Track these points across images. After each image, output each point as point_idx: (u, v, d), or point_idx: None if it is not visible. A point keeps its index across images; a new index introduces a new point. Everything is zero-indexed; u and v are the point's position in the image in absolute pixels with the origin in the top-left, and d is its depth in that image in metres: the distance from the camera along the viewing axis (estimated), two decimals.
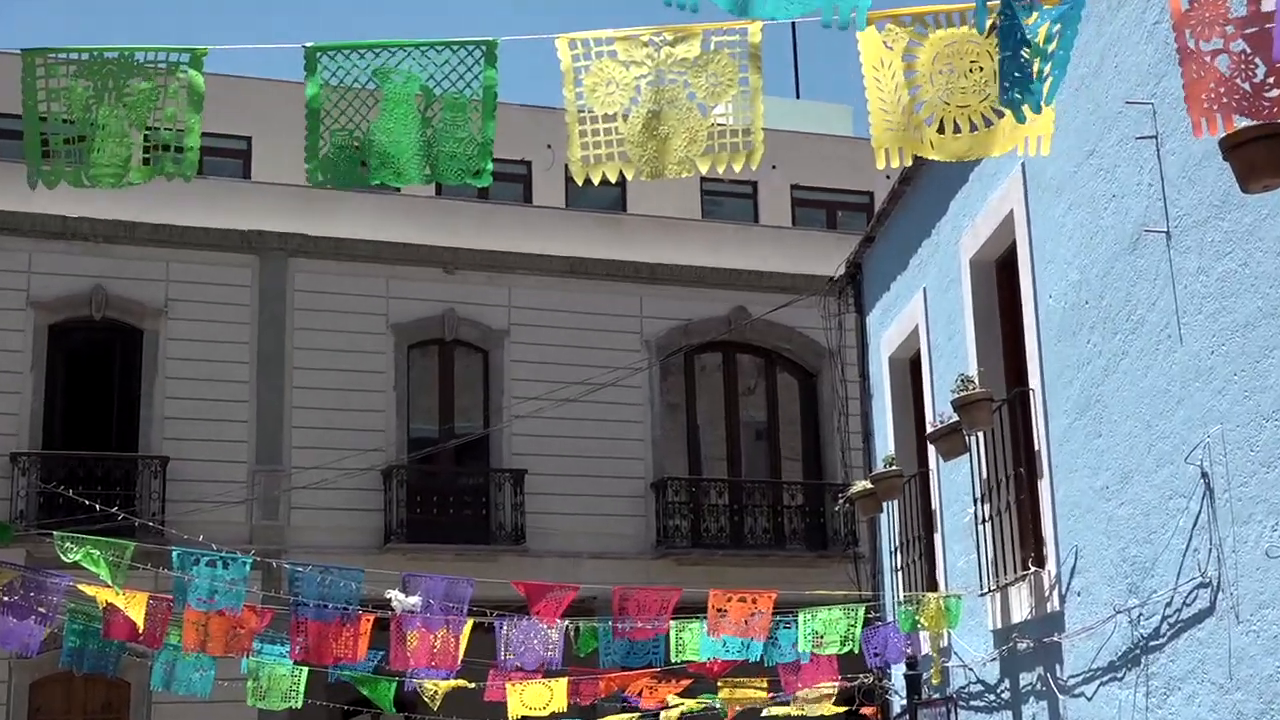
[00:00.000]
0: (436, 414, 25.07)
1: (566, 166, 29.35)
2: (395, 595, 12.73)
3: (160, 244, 23.79)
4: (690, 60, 5.67)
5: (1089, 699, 8.63)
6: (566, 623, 13.35)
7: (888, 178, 27.95)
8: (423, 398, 25.07)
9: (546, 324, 25.31)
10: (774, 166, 30.69)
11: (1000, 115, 5.45)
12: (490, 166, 5.83)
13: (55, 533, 12.66)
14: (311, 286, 24.41)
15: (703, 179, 30.41)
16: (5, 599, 13.07)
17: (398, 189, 24.62)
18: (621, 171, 5.71)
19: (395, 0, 60.84)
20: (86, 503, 15.78)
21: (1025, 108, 4.81)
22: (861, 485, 12.63)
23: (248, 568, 12.58)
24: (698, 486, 25.52)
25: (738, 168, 5.73)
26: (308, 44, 5.97)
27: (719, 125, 5.69)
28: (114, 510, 16.30)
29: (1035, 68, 4.76)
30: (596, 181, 5.71)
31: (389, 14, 61.16)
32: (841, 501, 13.29)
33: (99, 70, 6.23)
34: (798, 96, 36.52)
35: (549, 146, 28.94)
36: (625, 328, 25.71)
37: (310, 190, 25.11)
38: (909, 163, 5.56)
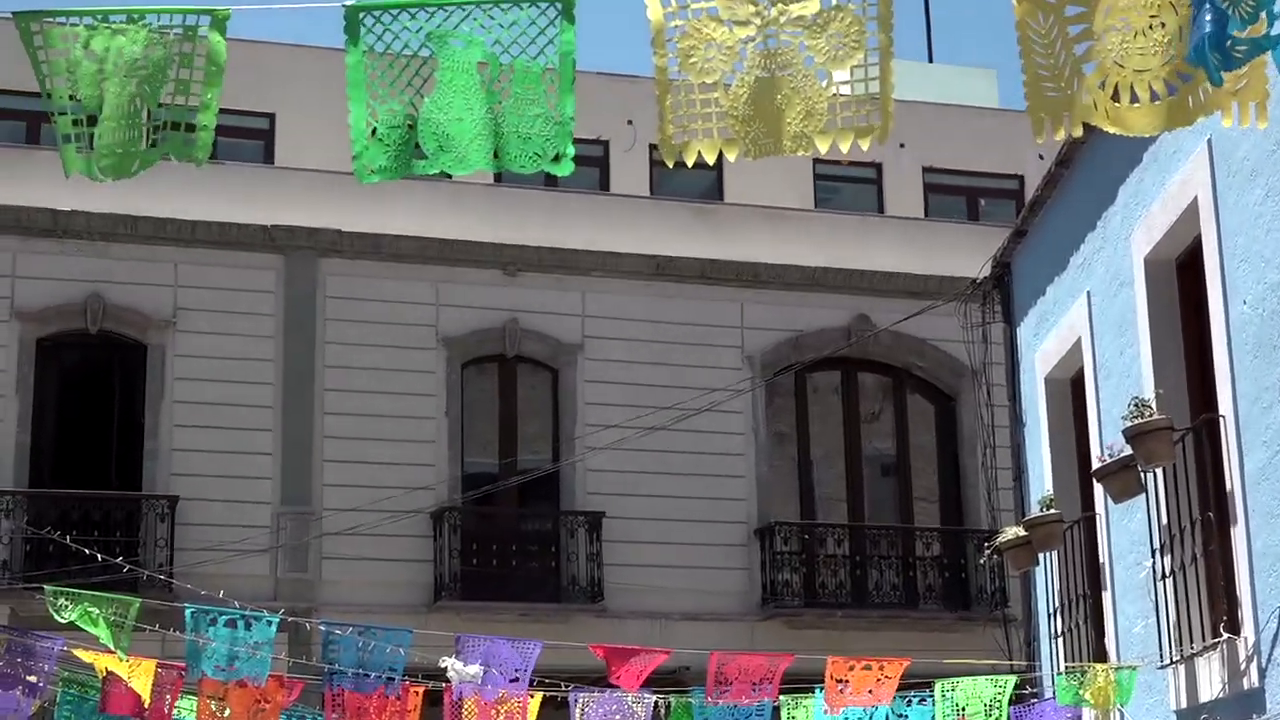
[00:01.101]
0: (496, 445, 25.18)
1: (652, 146, 29.65)
2: (451, 663, 12.79)
3: (167, 242, 24.11)
4: (807, 18, 5.69)
5: None
6: (655, 697, 13.37)
7: (1041, 158, 27.78)
8: (480, 425, 25.20)
9: (627, 336, 25.36)
10: (902, 145, 30.61)
11: (1186, 81, 5.41)
12: (571, 151, 5.88)
13: (46, 587, 12.85)
14: (346, 292, 24.62)
15: (816, 160, 30.38)
16: None
17: (449, 175, 24.80)
18: (722, 152, 5.74)
19: None
20: (88, 551, 15.98)
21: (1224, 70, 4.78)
22: (1012, 533, 12.56)
23: (274, 629, 12.71)
24: (811, 533, 25.45)
25: (864, 145, 5.74)
26: (348, 2, 6.05)
27: (841, 95, 5.71)
28: (118, 560, 16.48)
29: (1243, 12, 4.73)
30: (691, 163, 5.75)
31: None
32: (988, 552, 13.22)
33: (107, 38, 6.34)
34: (930, 60, 36.43)
35: (630, 122, 29.02)
36: (723, 341, 25.71)
37: (344, 177, 25.27)
38: (1077, 133, 5.53)
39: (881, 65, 5.67)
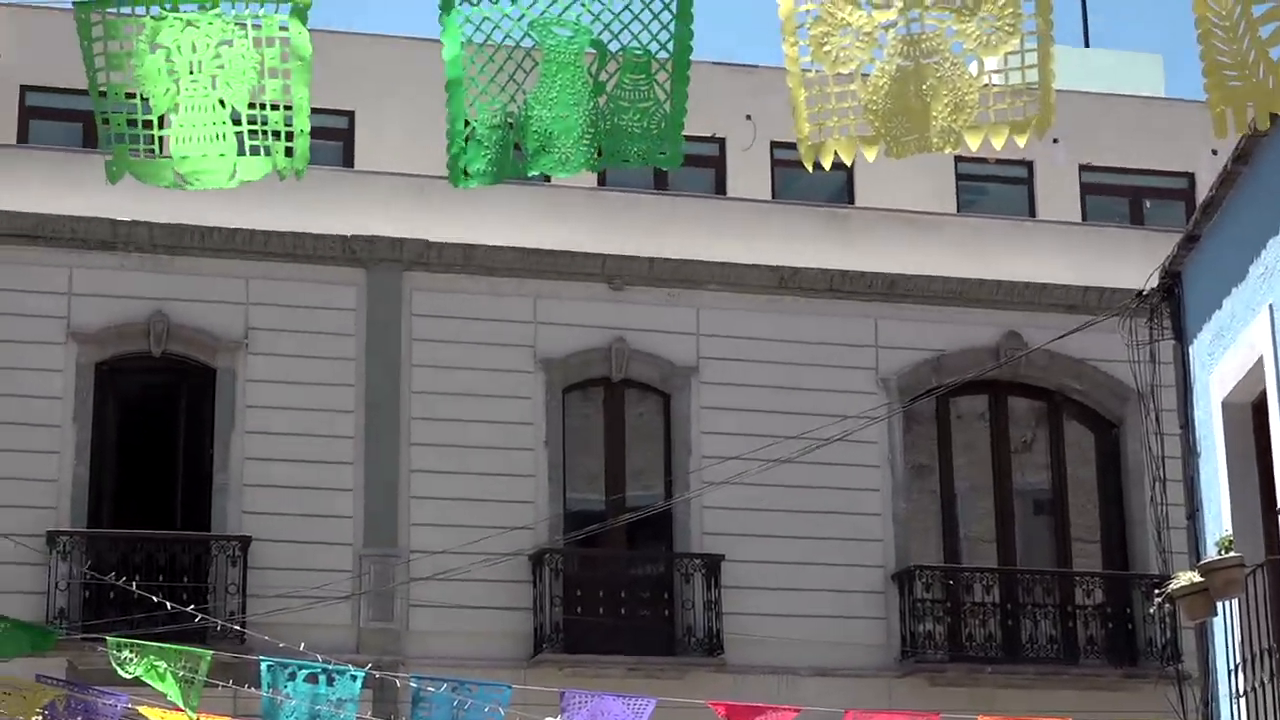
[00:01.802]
0: (602, 480, 25.22)
1: (774, 144, 29.70)
2: None
3: (237, 255, 24.35)
4: (955, 0, 5.69)
5: None
6: None
7: (1215, 153, 27.50)
8: (584, 457, 25.24)
9: (748, 357, 25.33)
10: (1055, 140, 30.39)
11: None
12: (682, 146, 5.90)
13: (109, 638, 13.03)
14: (434, 309, 24.77)
15: (958, 159, 30.26)
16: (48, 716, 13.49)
17: (547, 178, 24.91)
18: (861, 151, 5.74)
19: None
20: (154, 599, 16.17)
21: None
22: (1186, 578, 12.44)
23: (359, 684, 12.82)
24: (956, 579, 25.29)
25: (1020, 141, 5.72)
26: None
27: (994, 85, 5.69)
28: (187, 609, 16.67)
29: None
30: (828, 165, 5.75)
31: None
32: (1158, 600, 13.11)
33: (176, 29, 6.42)
34: (1087, 44, 36.16)
35: (749, 118, 29.03)
36: (855, 362, 25.62)
37: (432, 182, 25.48)
38: (1263, 125, 5.48)
39: (1040, 50, 5.65)
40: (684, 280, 25.45)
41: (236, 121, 6.57)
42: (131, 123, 6.66)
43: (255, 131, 6.52)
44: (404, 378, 24.50)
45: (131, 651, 13.51)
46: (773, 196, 29.13)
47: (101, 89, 6.66)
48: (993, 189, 31.19)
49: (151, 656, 12.98)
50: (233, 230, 24.20)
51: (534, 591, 24.02)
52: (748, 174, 29.48)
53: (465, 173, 6.20)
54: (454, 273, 24.88)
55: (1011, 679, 24.53)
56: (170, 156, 6.60)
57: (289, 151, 6.48)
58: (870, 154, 5.67)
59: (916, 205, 28.32)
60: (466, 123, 6.07)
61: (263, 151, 6.51)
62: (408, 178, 25.58)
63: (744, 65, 28.99)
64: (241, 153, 6.52)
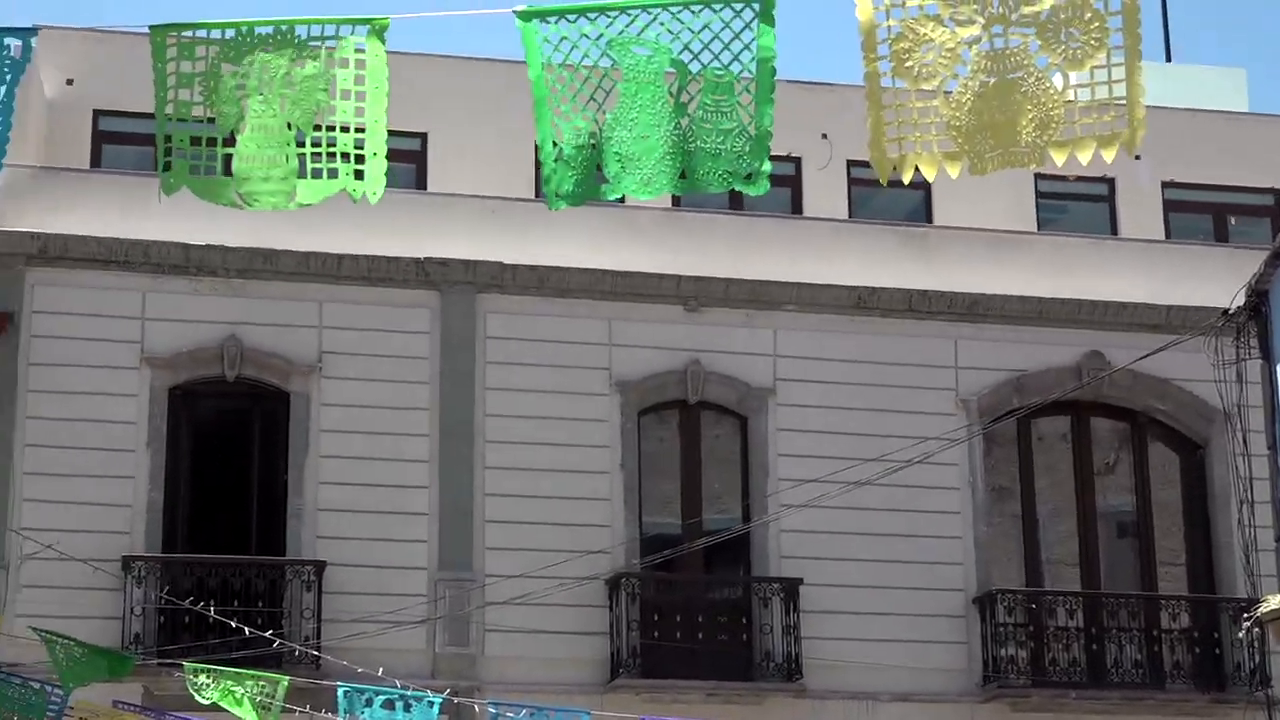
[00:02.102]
0: (678, 503, 25.20)
1: (850, 163, 29.64)
2: None
3: (311, 279, 24.48)
4: (1040, 15, 5.67)
5: None
6: None
7: None
8: (660, 481, 25.23)
9: (825, 379, 25.29)
10: (1138, 157, 30.21)
11: None
12: (768, 168, 5.90)
13: (185, 663, 13.10)
14: (508, 331, 24.82)
15: (1038, 176, 30.10)
16: None
17: (621, 198, 24.93)
18: (944, 167, 5.72)
19: None
20: (232, 624, 16.25)
21: None
22: (1276, 601, 12.36)
23: (435, 711, 12.85)
24: (1039, 603, 25.16)
25: (1108, 156, 5.69)
26: (519, 8, 6.11)
27: (1080, 101, 5.66)
28: (266, 634, 16.74)
29: None
30: (907, 180, 5.74)
31: None
32: (1246, 624, 13.01)
33: (249, 49, 6.46)
34: (1168, 60, 35.96)
35: (825, 136, 28.98)
36: (935, 383, 25.53)
37: (505, 204, 25.60)
38: None
39: (1128, 65, 5.63)
40: (760, 301, 25.42)
41: (301, 144, 6.61)
42: (195, 140, 6.71)
43: (320, 154, 6.55)
44: (478, 401, 24.55)
45: (208, 677, 13.59)
46: (850, 216, 29.05)
47: (169, 108, 6.72)
48: (1073, 207, 31.02)
49: (228, 682, 13.06)
50: (306, 254, 24.33)
51: (610, 616, 24.01)
52: (824, 193, 29.42)
53: (558, 194, 6.19)
54: (528, 295, 24.93)
55: (1095, 705, 24.42)
56: (232, 176, 6.64)
57: (359, 174, 6.50)
58: (953, 170, 5.66)
59: (996, 223, 28.20)
60: (555, 143, 6.06)
61: (326, 174, 6.54)
62: (481, 199, 25.66)
63: (820, 83, 28.91)
64: (303, 175, 6.55)
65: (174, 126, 6.59)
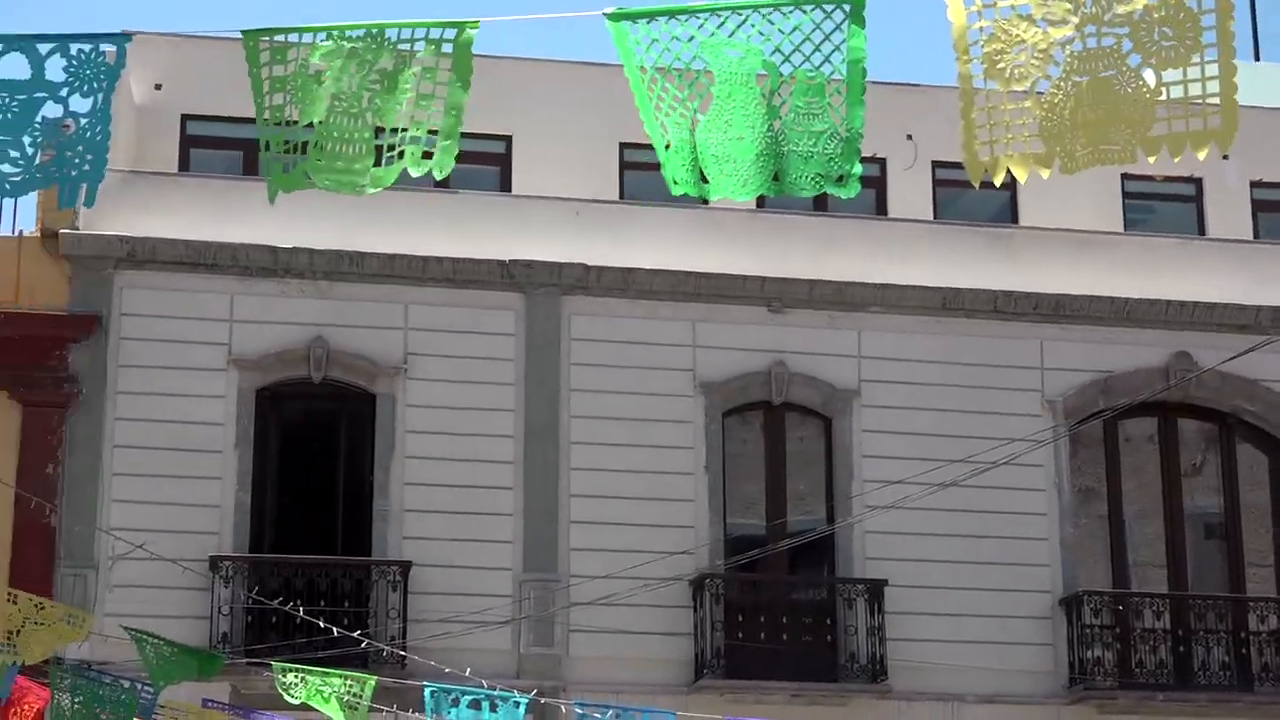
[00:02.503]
0: (763, 504, 25.20)
1: (935, 164, 29.51)
2: None
3: (396, 280, 24.60)
4: (1134, 14, 5.64)
5: None
6: None
7: None
8: (744, 482, 25.24)
9: (910, 380, 25.23)
10: (1225, 156, 29.99)
11: None
12: (859, 170, 5.89)
13: (274, 662, 13.18)
14: (593, 333, 24.88)
15: (1125, 177, 29.92)
16: None
17: (705, 200, 24.92)
18: (1035, 169, 5.70)
19: None
20: (321, 624, 16.34)
21: None
22: None
23: (522, 711, 12.88)
24: (1126, 604, 25.03)
25: (1200, 155, 5.66)
26: (609, 10, 6.13)
27: (1172, 100, 5.64)
28: (355, 634, 16.83)
29: None
30: (999, 182, 5.72)
31: None
32: None
33: (339, 51, 6.51)
34: (1257, 58, 35.74)
35: (909, 137, 28.90)
36: (1020, 384, 25.44)
37: (589, 206, 25.64)
38: None
39: (1221, 63, 5.60)
40: (845, 302, 25.39)
41: (380, 131, 6.65)
42: (289, 143, 6.77)
43: (395, 145, 6.60)
44: (563, 402, 24.61)
45: (296, 676, 13.67)
46: (935, 217, 28.95)
47: (266, 113, 6.78)
48: (1160, 207, 30.81)
49: (316, 681, 13.13)
50: (392, 256, 24.44)
51: (695, 617, 24.03)
52: (909, 194, 29.33)
53: (675, 181, 6.22)
54: (613, 296, 24.97)
55: (1183, 706, 24.28)
56: (307, 160, 6.70)
57: (428, 154, 6.54)
58: (1045, 172, 5.64)
59: (1082, 224, 28.04)
60: (663, 137, 6.08)
61: (398, 158, 6.59)
62: (566, 201, 25.71)
63: (905, 84, 28.82)
64: (377, 164, 6.60)
65: (269, 131, 6.64)
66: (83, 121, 6.60)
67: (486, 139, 27.86)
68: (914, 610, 24.42)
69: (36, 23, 56.35)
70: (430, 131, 6.53)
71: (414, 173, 6.46)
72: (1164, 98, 5.65)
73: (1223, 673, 24.98)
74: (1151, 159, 5.64)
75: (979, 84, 5.70)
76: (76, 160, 6.49)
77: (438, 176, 6.49)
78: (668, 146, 6.09)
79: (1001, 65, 5.68)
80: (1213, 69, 5.63)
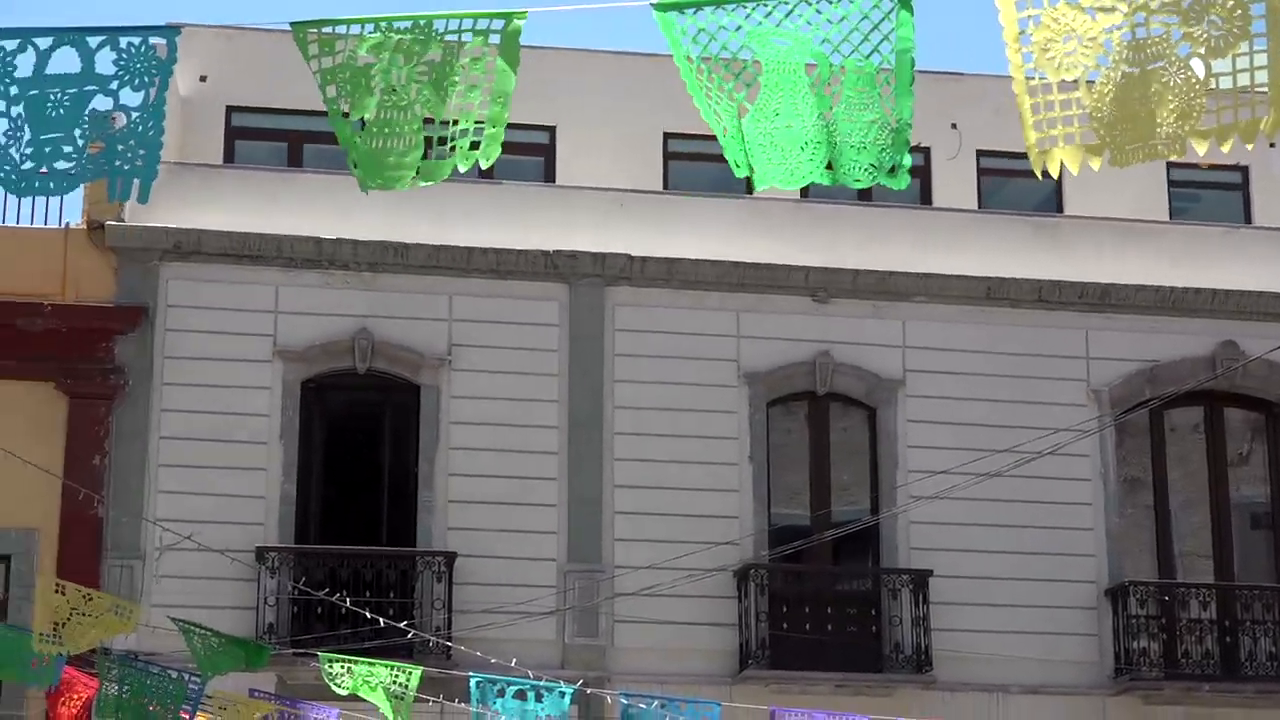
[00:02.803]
0: (807, 494, 25.20)
1: (980, 153, 29.39)
2: None
3: (440, 272, 24.64)
4: (1182, 3, 5.62)
5: None
6: None
7: None
8: (788, 472, 25.23)
9: (955, 370, 25.19)
10: (1272, 144, 29.89)
11: None
12: (908, 161, 5.88)
13: (321, 653, 13.24)
14: (637, 324, 24.89)
15: (1170, 165, 29.81)
16: None
17: (749, 190, 24.93)
18: (1087, 160, 5.69)
19: None
20: (367, 615, 16.40)
21: None
22: None
23: (567, 701, 12.91)
24: (1172, 594, 24.95)
25: (1249, 144, 5.65)
26: (656, 0, 6.13)
27: (1221, 89, 5.62)
28: (401, 625, 16.87)
29: None
30: (1056, 173, 5.70)
31: None
32: None
33: (387, 44, 6.53)
34: None
35: (954, 126, 28.84)
36: (1066, 373, 25.37)
37: (632, 196, 25.65)
38: None
39: (1270, 51, 5.57)
40: (889, 292, 25.35)
41: (429, 122, 6.67)
42: (353, 136, 6.81)
43: (445, 138, 6.62)
44: (607, 393, 24.63)
45: (342, 666, 13.73)
46: (979, 206, 28.88)
47: (328, 103, 6.83)
48: (1206, 195, 30.68)
49: (363, 671, 13.19)
50: (436, 247, 24.48)
51: (739, 607, 24.04)
52: (953, 183, 29.27)
53: (737, 164, 6.22)
54: (657, 287, 24.97)
55: (1230, 698, 24.22)
56: (357, 157, 6.74)
57: (475, 145, 6.56)
58: (1095, 163, 5.63)
59: (1127, 212, 27.93)
60: (719, 123, 6.09)
61: (449, 153, 6.61)
62: (610, 192, 25.73)
63: (949, 73, 28.73)
64: (425, 158, 6.62)
65: (337, 126, 6.68)
66: (134, 116, 6.63)
67: (530, 129, 27.87)
68: (959, 601, 24.40)
69: (80, 12, 56.61)
70: (477, 122, 6.55)
71: (462, 167, 6.48)
72: (1213, 88, 5.63)
73: (1270, 663, 24.87)
74: (1201, 151, 5.63)
75: (1029, 73, 5.68)
76: (129, 155, 6.52)
77: (484, 165, 6.52)
78: (725, 133, 6.09)
79: (1051, 54, 5.67)
80: (1261, 58, 5.62)
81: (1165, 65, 5.63)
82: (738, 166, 6.12)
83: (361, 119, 6.69)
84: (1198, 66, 5.65)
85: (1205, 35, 5.62)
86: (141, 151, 6.55)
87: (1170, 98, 5.62)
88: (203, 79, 27.20)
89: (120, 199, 7.29)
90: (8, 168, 6.57)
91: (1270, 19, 5.62)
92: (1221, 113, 5.68)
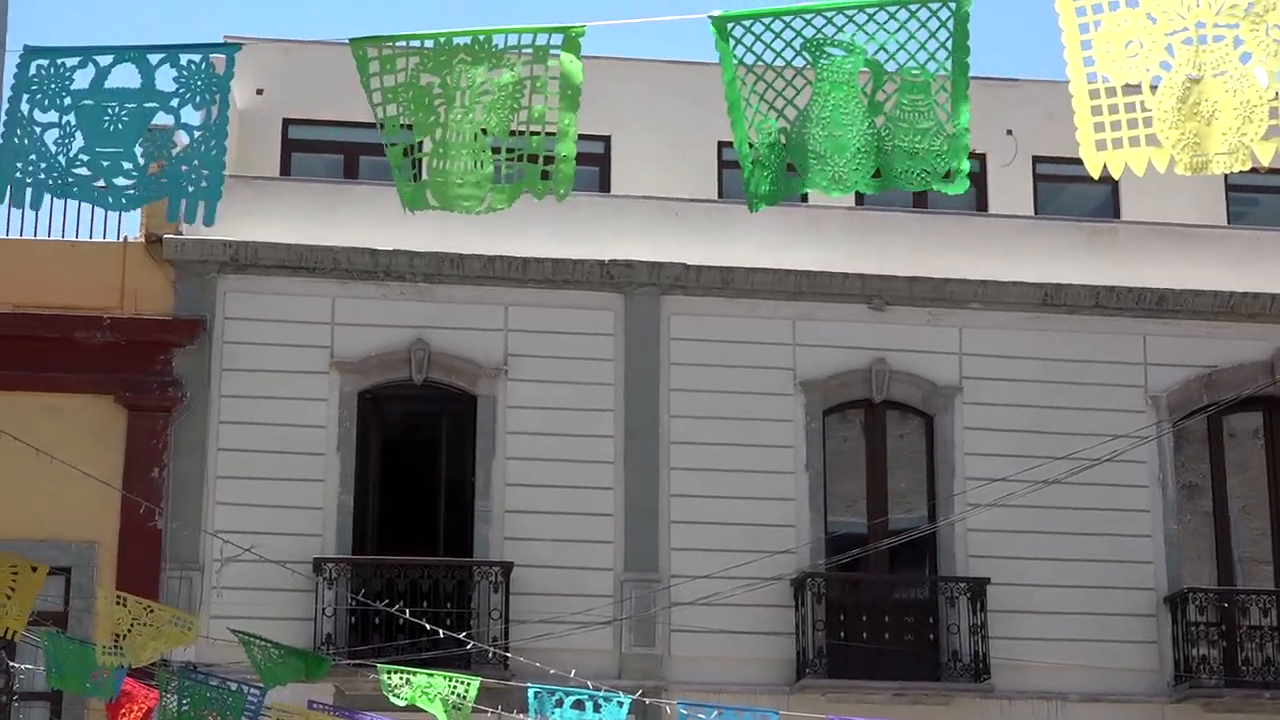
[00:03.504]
0: (864, 503, 25.14)
1: (1036, 159, 29.27)
2: None
3: (496, 282, 24.69)
4: (1243, 8, 5.59)
5: None
6: None
7: None
8: (845, 481, 25.18)
9: (1013, 376, 25.12)
10: None
11: None
12: (966, 166, 5.87)
13: (380, 665, 13.27)
14: (693, 333, 24.89)
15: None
16: None
17: (803, 197, 24.90)
18: (1153, 162, 5.66)
19: None
20: (427, 626, 16.43)
21: None
22: None
23: (625, 711, 12.90)
24: (1231, 601, 24.80)
25: None
26: (714, 13, 6.13)
27: None
28: (461, 636, 16.90)
29: None
30: (1118, 175, 5.68)
31: None
32: None
33: (448, 61, 6.54)
34: None
35: (1009, 133, 28.77)
36: (1123, 380, 25.26)
37: (687, 205, 25.65)
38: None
39: None
40: (945, 299, 25.29)
41: (496, 151, 6.68)
42: (406, 151, 6.82)
43: (513, 159, 6.63)
44: (663, 402, 24.63)
45: (401, 677, 13.76)
46: (1035, 212, 28.80)
47: (380, 123, 6.83)
48: (1265, 200, 30.53)
49: (421, 682, 13.22)
50: (491, 257, 24.53)
51: (796, 616, 24.01)
52: (1009, 190, 29.19)
53: (757, 196, 6.22)
54: (712, 296, 24.97)
55: None
56: (426, 180, 6.75)
57: (545, 174, 6.57)
58: (1160, 165, 5.61)
59: (1185, 218, 27.82)
60: (751, 145, 6.08)
61: (516, 177, 6.62)
62: (665, 201, 25.72)
63: (1004, 79, 28.65)
64: (496, 180, 6.63)
65: (388, 139, 6.69)
66: (195, 135, 6.65)
67: (585, 139, 27.66)
68: (1016, 609, 24.31)
69: (137, 25, 56.91)
70: (536, 133, 6.55)
71: (536, 198, 6.51)
72: (1276, 95, 5.60)
73: None
74: (1266, 160, 5.60)
75: (1092, 77, 5.66)
76: (192, 175, 6.53)
77: (558, 200, 6.53)
78: (754, 160, 6.08)
79: (1115, 58, 5.65)
80: None
81: (1227, 72, 5.60)
82: (756, 199, 6.10)
83: (424, 140, 6.69)
84: (1260, 75, 5.62)
85: (1268, 42, 5.59)
86: (205, 172, 6.56)
87: (1233, 105, 5.59)
88: (259, 92, 27.32)
89: (187, 220, 7.30)
90: (55, 174, 6.60)
91: None
92: None
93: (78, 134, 6.65)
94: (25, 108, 6.62)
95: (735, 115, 6.14)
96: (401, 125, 6.70)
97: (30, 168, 6.60)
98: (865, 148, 6.03)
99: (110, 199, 6.75)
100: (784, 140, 6.12)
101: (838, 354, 25.05)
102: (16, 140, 6.61)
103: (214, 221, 6.59)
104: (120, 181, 6.57)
